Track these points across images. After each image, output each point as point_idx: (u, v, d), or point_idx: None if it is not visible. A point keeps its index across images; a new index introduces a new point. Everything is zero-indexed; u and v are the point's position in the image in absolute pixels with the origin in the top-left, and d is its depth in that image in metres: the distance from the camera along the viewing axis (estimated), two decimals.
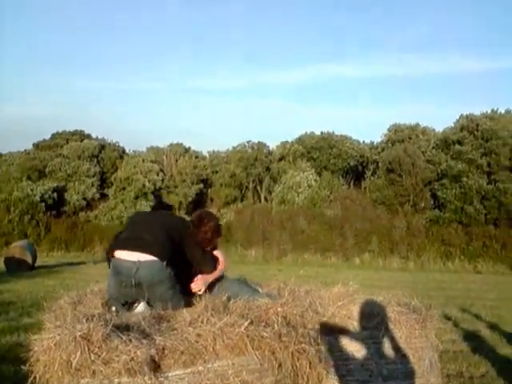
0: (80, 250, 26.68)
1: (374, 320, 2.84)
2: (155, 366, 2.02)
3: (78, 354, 2.09)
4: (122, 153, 34.32)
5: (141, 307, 2.82)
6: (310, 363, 2.40)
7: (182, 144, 35.82)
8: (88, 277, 14.69)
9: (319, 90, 67.06)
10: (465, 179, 24.73)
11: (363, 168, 31.43)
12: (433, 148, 28.29)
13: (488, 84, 59.37)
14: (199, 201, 31.42)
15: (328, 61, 67.02)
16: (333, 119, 67.20)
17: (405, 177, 26.53)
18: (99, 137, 35.26)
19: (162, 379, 2.03)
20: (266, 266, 20.21)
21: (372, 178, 29.92)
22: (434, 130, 30.76)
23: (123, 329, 2.22)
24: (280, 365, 2.24)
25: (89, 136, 35.37)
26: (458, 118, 28.87)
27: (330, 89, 67.30)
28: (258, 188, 31.86)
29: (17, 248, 17.15)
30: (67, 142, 33.55)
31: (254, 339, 2.21)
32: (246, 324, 2.26)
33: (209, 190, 32.51)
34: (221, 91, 66.11)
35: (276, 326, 2.37)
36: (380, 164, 29.16)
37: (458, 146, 26.56)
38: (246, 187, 32.22)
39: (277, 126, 59.69)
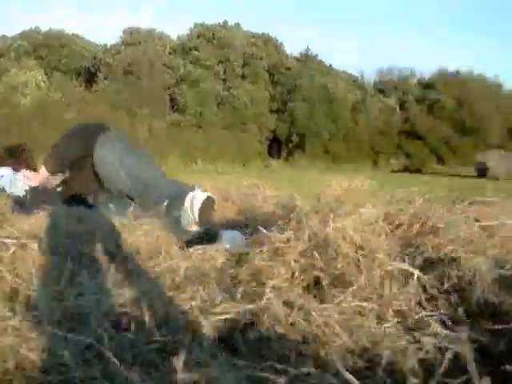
0: None
1: None
2: None
3: None
4: None
5: None
6: None
7: None
8: None
9: None
10: (203, 84, 25.33)
11: (96, 70, 29.45)
12: (169, 53, 28.06)
13: None
14: None
15: None
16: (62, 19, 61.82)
17: (144, 80, 25.85)
18: None
19: None
20: None
21: (106, 80, 28.37)
22: (169, 36, 30.36)
23: None
24: None
25: None
26: (192, 26, 29.12)
27: None
28: None
29: None
30: None
31: None
32: None
33: None
34: None
35: None
36: (116, 66, 27.73)
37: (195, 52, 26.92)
38: None
39: None
